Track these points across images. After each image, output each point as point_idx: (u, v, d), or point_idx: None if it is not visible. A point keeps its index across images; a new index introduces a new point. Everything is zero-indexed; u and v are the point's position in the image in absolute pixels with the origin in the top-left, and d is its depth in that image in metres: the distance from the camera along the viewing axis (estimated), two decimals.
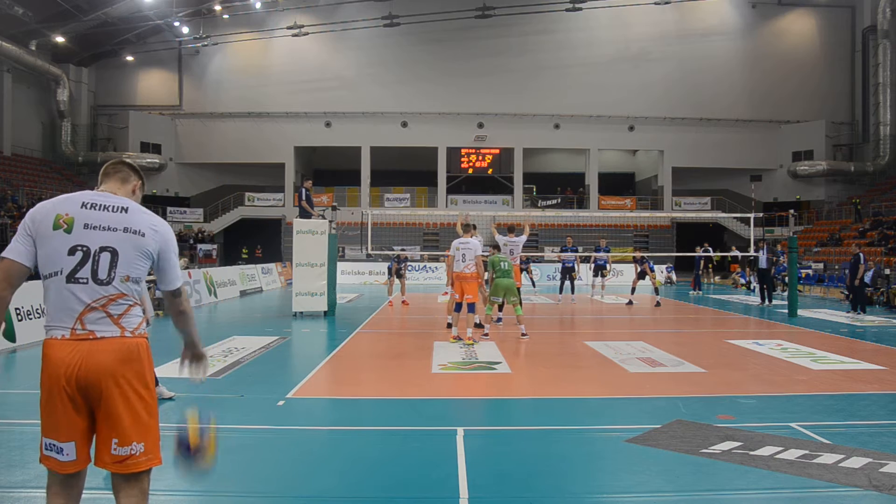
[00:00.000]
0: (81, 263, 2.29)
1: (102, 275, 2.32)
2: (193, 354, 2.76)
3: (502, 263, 10.51)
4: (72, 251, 2.28)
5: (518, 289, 12.52)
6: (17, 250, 2.29)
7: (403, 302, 16.52)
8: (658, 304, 16.61)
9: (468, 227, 10.51)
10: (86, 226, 2.29)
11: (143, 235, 2.37)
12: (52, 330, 2.35)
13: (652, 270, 17.62)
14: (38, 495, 3.95)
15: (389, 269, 16.88)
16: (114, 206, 2.37)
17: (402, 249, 17.34)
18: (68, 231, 2.27)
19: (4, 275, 2.30)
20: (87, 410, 2.35)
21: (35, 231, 2.29)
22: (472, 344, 9.64)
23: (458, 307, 10.24)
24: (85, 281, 2.30)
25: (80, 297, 2.30)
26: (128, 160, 2.66)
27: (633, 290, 17.36)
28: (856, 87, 36.39)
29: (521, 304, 12.48)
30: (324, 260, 13.37)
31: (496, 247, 11.21)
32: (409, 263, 17.27)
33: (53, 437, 2.35)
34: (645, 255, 18.41)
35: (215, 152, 36.53)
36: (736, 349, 9.52)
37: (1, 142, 31.12)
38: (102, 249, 2.30)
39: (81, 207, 2.32)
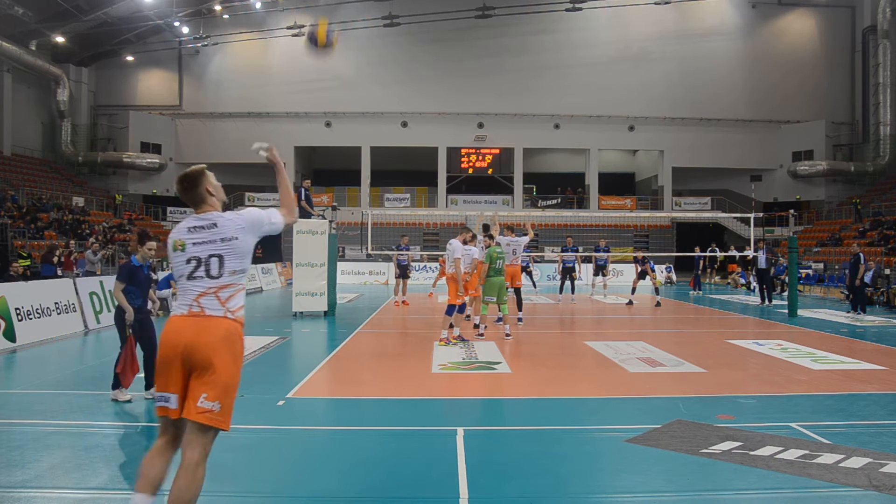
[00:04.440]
0: (196, 268, 3.06)
1: (214, 272, 3.07)
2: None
3: (498, 261, 10.37)
4: (188, 262, 3.07)
5: (518, 289, 12.55)
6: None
7: (404, 302, 16.53)
8: (658, 304, 16.61)
9: (486, 227, 10.55)
10: (194, 244, 3.09)
11: (237, 238, 3.11)
12: (175, 311, 3.10)
13: (653, 270, 17.62)
14: (38, 495, 3.95)
15: (403, 266, 16.72)
16: (207, 224, 3.11)
17: (408, 248, 17.30)
18: (182, 250, 3.09)
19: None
20: (187, 372, 2.98)
21: (168, 256, 3.16)
22: (449, 344, 9.56)
23: (461, 308, 10.24)
24: (201, 277, 3.06)
25: (196, 289, 3.05)
26: (184, 177, 3.19)
27: (634, 290, 17.35)
28: (856, 87, 36.39)
29: (518, 303, 12.54)
30: (324, 260, 13.37)
31: (474, 238, 10.82)
32: (411, 264, 17.28)
33: (161, 389, 3.01)
34: (646, 255, 18.42)
35: (215, 152, 36.47)
36: (736, 349, 9.52)
37: (1, 142, 31.09)
38: (211, 256, 3.07)
39: (188, 232, 3.10)
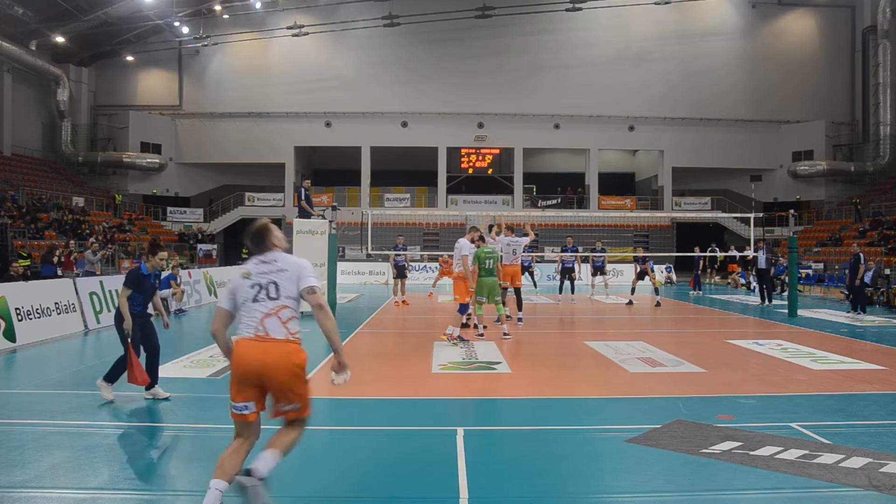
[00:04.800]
0: (258, 292, 3.62)
1: (274, 295, 3.61)
2: (338, 362, 3.69)
3: (487, 261, 10.25)
4: (252, 287, 3.65)
5: (519, 289, 12.54)
6: (225, 301, 3.72)
7: (404, 302, 16.53)
8: (658, 304, 16.61)
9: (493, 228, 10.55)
10: (257, 274, 3.69)
11: (287, 270, 3.69)
12: (241, 333, 3.57)
13: (652, 271, 17.61)
14: (38, 495, 3.95)
15: (400, 266, 16.76)
16: (267, 261, 3.75)
17: (405, 248, 17.34)
18: (248, 279, 3.68)
19: (220, 318, 3.70)
20: (261, 385, 3.52)
21: (235, 287, 3.71)
22: (450, 343, 9.69)
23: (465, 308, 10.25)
24: (263, 300, 3.59)
25: (259, 310, 3.57)
26: (254, 234, 3.81)
27: (633, 290, 17.36)
28: (856, 87, 36.39)
29: (518, 303, 12.52)
30: (324, 260, 13.37)
31: (482, 238, 10.84)
32: (409, 263, 17.32)
33: (240, 400, 3.51)
34: (646, 255, 18.42)
35: (215, 152, 36.51)
36: (736, 349, 9.52)
37: (1, 142, 31.09)
38: (269, 283, 3.64)
39: (254, 265, 3.73)
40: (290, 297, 3.64)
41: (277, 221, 34.76)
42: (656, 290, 17.47)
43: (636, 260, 17.80)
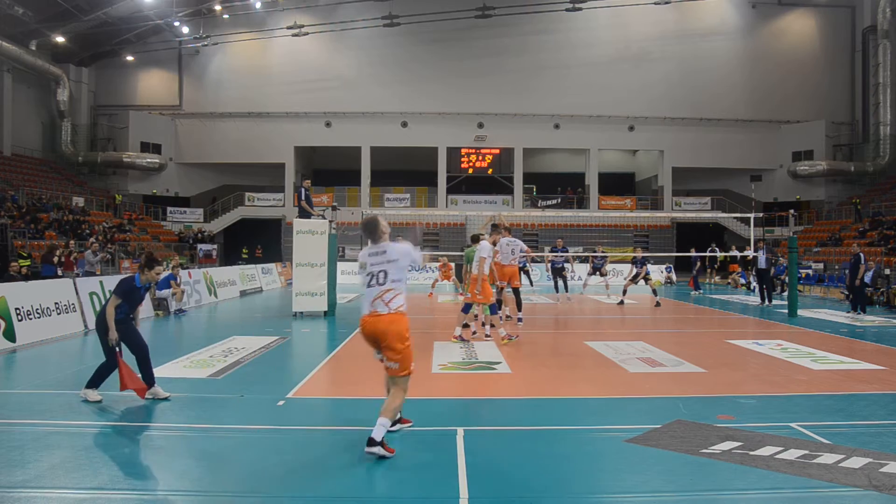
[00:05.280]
0: (371, 278, 4.81)
1: (382, 281, 4.77)
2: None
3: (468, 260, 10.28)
4: (367, 275, 4.85)
5: (517, 289, 12.53)
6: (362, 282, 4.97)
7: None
8: (658, 304, 16.62)
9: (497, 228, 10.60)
10: (371, 264, 4.85)
11: (397, 260, 4.81)
12: (362, 311, 4.86)
13: (648, 274, 17.55)
14: (38, 495, 3.96)
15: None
16: (378, 252, 4.86)
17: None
18: (364, 268, 4.87)
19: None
20: (377, 345, 4.83)
21: (359, 273, 5.01)
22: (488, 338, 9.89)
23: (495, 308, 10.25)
24: (374, 286, 4.79)
25: (371, 294, 4.79)
26: (365, 225, 4.95)
27: (625, 291, 17.39)
28: (856, 87, 36.39)
29: (518, 304, 12.51)
30: (324, 260, 13.37)
31: (475, 239, 10.82)
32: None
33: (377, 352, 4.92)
34: (646, 255, 18.43)
35: (215, 152, 36.52)
36: (736, 349, 9.52)
37: (1, 142, 31.10)
38: (379, 272, 4.80)
39: (368, 256, 4.89)
40: (396, 281, 4.80)
41: (277, 221, 34.95)
42: (654, 292, 17.49)
43: (634, 261, 17.81)
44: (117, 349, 6.07)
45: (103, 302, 11.90)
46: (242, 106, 35.85)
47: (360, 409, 6.21)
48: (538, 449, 4.92)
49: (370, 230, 4.91)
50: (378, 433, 4.52)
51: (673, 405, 6.01)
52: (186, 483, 4.28)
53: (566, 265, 17.99)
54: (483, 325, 10.75)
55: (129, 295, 6.20)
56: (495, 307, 10.17)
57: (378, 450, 4.50)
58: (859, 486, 4.04)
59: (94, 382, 6.19)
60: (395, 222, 32.83)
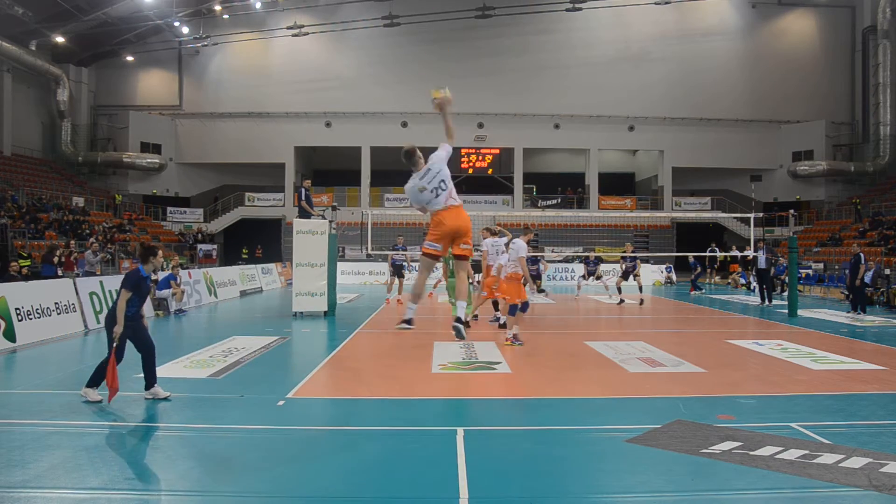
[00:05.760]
0: (434, 192, 6.08)
1: (445, 187, 6.14)
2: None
3: (451, 262, 10.08)
4: (431, 191, 6.11)
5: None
6: (414, 203, 6.29)
7: (398, 301, 16.59)
8: (641, 301, 16.91)
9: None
10: (428, 182, 6.10)
11: (441, 169, 6.11)
12: (436, 208, 6.18)
13: (634, 269, 17.65)
14: (38, 495, 3.96)
15: (398, 265, 16.88)
16: (425, 172, 6.10)
17: (404, 248, 17.39)
18: (422, 191, 6.13)
19: (426, 259, 6.43)
20: (451, 238, 6.15)
21: (415, 197, 6.22)
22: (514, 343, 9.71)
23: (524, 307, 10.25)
24: (440, 194, 6.15)
25: (442, 197, 6.15)
26: (405, 153, 6.27)
27: (619, 289, 17.48)
28: (856, 87, 36.39)
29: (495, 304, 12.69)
30: (324, 260, 13.36)
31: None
32: (408, 263, 17.43)
33: (436, 242, 6.21)
34: (635, 254, 18.52)
35: (215, 152, 36.52)
36: (736, 349, 9.52)
37: (1, 142, 31.09)
38: (439, 182, 6.15)
39: (419, 180, 6.11)
40: (446, 181, 6.16)
41: (277, 221, 34.96)
42: (640, 289, 17.58)
43: (624, 259, 17.93)
44: (115, 344, 6.06)
45: (104, 302, 11.91)
46: (242, 106, 35.84)
47: (360, 409, 6.22)
48: (538, 449, 4.93)
49: (409, 157, 6.15)
50: (461, 312, 6.38)
51: (673, 405, 6.01)
52: (186, 483, 4.28)
53: (541, 267, 18.17)
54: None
55: (137, 287, 6.20)
56: (514, 308, 10.01)
57: (461, 326, 6.29)
58: (859, 486, 4.04)
59: (95, 381, 6.18)
60: (395, 222, 32.87)
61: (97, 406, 6.03)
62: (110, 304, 11.96)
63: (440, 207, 6.08)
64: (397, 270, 16.86)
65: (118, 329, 6.03)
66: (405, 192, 6.30)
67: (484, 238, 12.37)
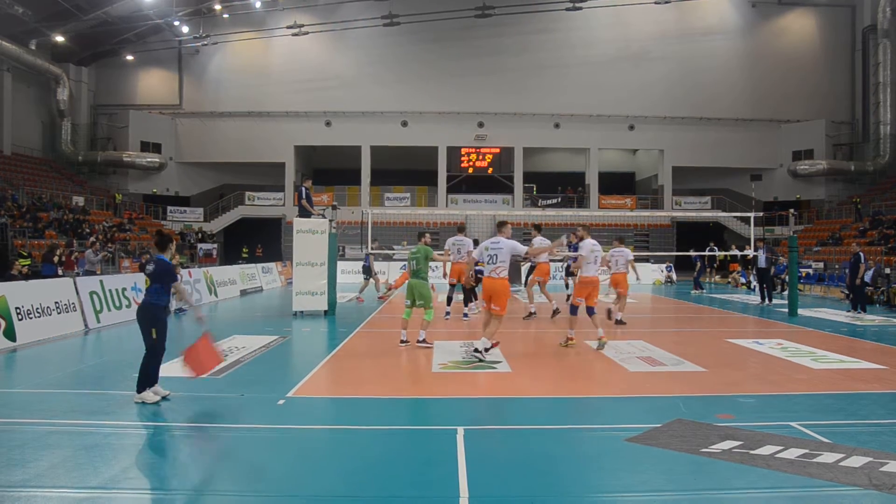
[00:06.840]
0: (490, 258, 8.32)
1: (495, 261, 8.27)
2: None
3: (412, 262, 9.66)
4: (487, 256, 8.35)
5: (463, 286, 12.87)
6: (476, 254, 8.71)
7: (359, 299, 17.16)
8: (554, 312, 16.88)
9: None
10: (490, 249, 8.34)
11: (502, 249, 8.27)
12: (485, 273, 8.46)
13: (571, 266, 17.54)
14: (38, 494, 3.96)
15: (367, 268, 17.83)
16: (495, 242, 8.38)
17: (395, 248, 17.97)
18: (487, 250, 8.38)
19: (471, 260, 9.49)
20: (488, 297, 8.44)
21: (481, 254, 8.49)
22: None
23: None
24: (491, 263, 8.31)
25: (490, 267, 8.32)
26: (499, 224, 8.71)
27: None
28: (856, 87, 36.38)
29: (466, 298, 13.14)
30: (324, 259, 13.36)
31: (422, 235, 10.43)
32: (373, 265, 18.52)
33: (486, 300, 8.62)
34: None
35: (215, 152, 36.51)
36: (736, 348, 9.52)
37: (1, 141, 31.08)
38: (494, 253, 8.28)
39: (490, 243, 8.37)
40: (503, 262, 8.19)
41: (277, 221, 34.96)
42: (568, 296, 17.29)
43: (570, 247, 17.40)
44: (155, 338, 6.06)
45: (104, 301, 11.91)
46: (242, 105, 35.84)
47: (360, 409, 6.22)
48: (538, 448, 4.93)
49: (500, 226, 8.48)
50: (481, 345, 8.18)
51: (673, 404, 6.01)
52: (186, 482, 4.28)
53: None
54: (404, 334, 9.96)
55: (169, 275, 6.22)
56: (575, 309, 9.75)
57: (480, 355, 8.13)
58: (859, 485, 4.04)
59: (143, 383, 6.09)
60: (395, 222, 32.90)
61: (97, 406, 6.02)
62: (111, 304, 11.98)
63: (486, 273, 8.36)
64: (367, 271, 17.81)
65: (199, 313, 6.88)
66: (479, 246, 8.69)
67: (582, 240, 10.58)
